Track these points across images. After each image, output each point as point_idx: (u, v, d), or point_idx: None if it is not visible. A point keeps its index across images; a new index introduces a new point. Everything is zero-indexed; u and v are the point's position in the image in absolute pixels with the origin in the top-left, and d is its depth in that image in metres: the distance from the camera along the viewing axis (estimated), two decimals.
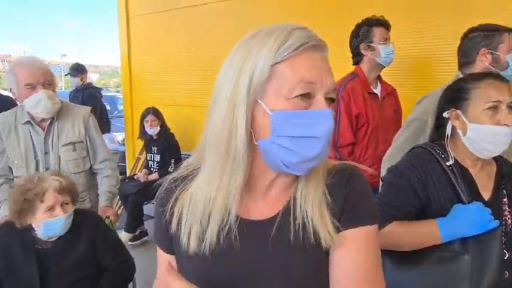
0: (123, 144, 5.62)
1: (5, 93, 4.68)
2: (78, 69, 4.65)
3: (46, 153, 1.94)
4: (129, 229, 3.58)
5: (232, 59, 0.65)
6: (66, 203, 1.52)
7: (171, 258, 0.76)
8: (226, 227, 0.67)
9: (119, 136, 5.80)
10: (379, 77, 2.18)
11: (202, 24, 3.82)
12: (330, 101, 0.64)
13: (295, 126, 0.60)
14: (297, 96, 0.60)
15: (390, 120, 2.12)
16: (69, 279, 1.52)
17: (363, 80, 2.10)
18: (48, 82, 1.87)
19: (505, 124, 1.09)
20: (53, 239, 1.54)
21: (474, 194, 1.13)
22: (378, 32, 2.04)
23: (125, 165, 4.92)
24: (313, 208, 0.67)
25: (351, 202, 0.69)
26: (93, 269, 1.59)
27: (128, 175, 4.30)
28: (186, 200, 0.70)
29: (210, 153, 0.66)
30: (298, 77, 0.60)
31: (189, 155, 2.92)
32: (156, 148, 3.83)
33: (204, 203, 0.67)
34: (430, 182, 1.15)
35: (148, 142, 3.89)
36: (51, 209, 1.47)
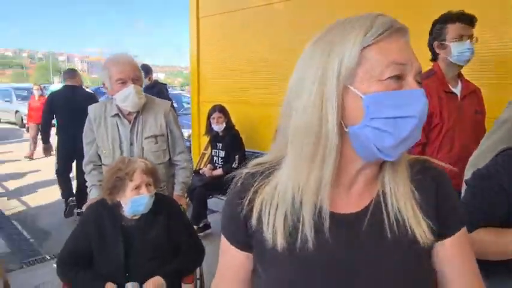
0: (189, 140, 5.87)
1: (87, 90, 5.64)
2: (145, 70, 5.00)
3: (131, 144, 2.07)
4: (194, 221, 3.72)
5: (312, 51, 0.65)
6: (150, 185, 1.67)
7: (243, 256, 0.74)
8: (319, 221, 0.66)
9: (185, 132, 6.06)
10: (460, 75, 2.05)
11: (268, 24, 3.87)
12: (419, 84, 0.64)
13: (390, 108, 0.60)
14: (389, 77, 0.60)
15: (470, 121, 1.99)
16: (148, 256, 1.66)
17: (439, 78, 1.99)
18: (136, 77, 2.00)
19: None
20: (136, 217, 1.69)
21: None
22: (451, 29, 1.91)
23: None
24: (406, 205, 0.67)
25: (445, 209, 0.70)
26: (169, 249, 1.72)
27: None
28: (268, 194, 0.69)
29: (296, 143, 0.65)
30: (389, 59, 0.61)
31: (253, 152, 2.99)
32: (221, 144, 3.94)
33: (293, 195, 0.66)
34: None
35: (214, 138, 4.01)
36: (137, 187, 1.63)
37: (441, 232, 0.69)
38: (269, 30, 3.87)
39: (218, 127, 3.86)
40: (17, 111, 13.57)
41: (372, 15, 0.63)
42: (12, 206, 4.79)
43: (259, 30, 3.97)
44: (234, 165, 3.80)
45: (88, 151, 2.16)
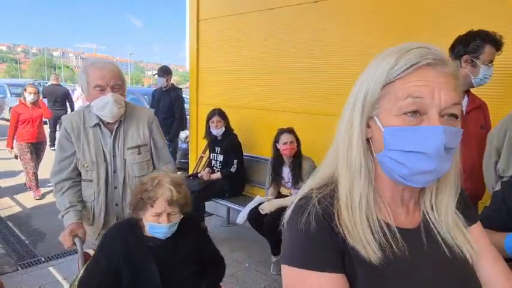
0: (186, 142, 5.84)
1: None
2: (165, 71, 5.23)
3: (113, 156, 1.91)
4: None
5: (359, 78, 0.71)
6: (173, 214, 1.57)
7: (342, 277, 0.67)
8: (391, 234, 0.69)
9: (182, 133, 6.04)
10: (467, 91, 2.03)
11: (269, 29, 3.87)
12: (453, 117, 0.64)
13: (405, 141, 0.63)
14: (406, 113, 0.63)
15: (474, 136, 1.96)
16: (184, 274, 1.61)
17: None
18: (117, 86, 1.83)
19: None
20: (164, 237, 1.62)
21: None
22: (489, 51, 1.88)
23: (187, 162, 5.14)
24: (448, 225, 0.73)
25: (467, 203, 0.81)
26: (199, 266, 1.69)
27: (190, 173, 4.47)
28: (347, 213, 0.68)
29: (342, 163, 0.71)
30: (406, 93, 0.63)
31: (252, 157, 2.96)
32: (219, 148, 3.94)
33: (364, 212, 0.69)
34: None
35: (213, 142, 4.00)
36: (158, 215, 1.54)
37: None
38: (270, 34, 3.88)
39: (217, 131, 3.85)
40: (10, 108, 13.45)
41: (405, 48, 0.65)
42: (5, 206, 4.75)
43: (260, 35, 3.97)
44: (232, 169, 3.80)
45: (66, 166, 1.89)
